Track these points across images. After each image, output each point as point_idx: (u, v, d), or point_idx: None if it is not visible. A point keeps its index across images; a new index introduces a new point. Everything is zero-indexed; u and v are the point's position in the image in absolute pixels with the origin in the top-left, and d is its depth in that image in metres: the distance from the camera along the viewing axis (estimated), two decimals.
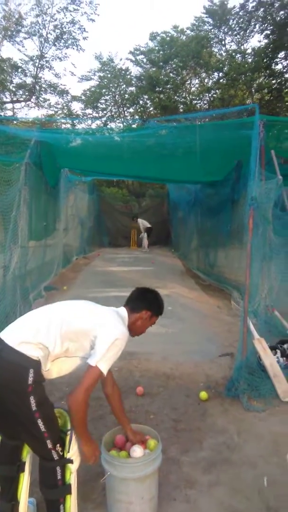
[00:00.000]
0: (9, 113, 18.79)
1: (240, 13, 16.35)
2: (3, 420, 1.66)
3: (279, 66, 15.88)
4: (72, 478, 1.71)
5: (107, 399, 2.11)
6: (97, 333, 1.72)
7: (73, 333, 1.71)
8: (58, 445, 1.66)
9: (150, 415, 2.89)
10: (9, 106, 19.00)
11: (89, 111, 20.64)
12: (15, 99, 18.77)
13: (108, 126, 17.95)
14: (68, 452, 1.70)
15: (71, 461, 1.70)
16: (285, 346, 3.65)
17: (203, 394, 3.11)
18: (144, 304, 2.02)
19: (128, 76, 19.71)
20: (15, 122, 16.33)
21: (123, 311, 1.97)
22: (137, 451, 1.92)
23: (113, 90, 19.77)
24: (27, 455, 1.77)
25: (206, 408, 2.98)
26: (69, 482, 1.69)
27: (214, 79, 18.19)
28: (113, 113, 20.63)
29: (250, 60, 16.28)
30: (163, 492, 2.06)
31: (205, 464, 2.34)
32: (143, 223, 14.50)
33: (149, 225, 14.51)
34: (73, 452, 1.72)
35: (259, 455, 2.41)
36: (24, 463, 1.75)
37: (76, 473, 1.74)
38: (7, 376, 1.55)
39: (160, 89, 17.81)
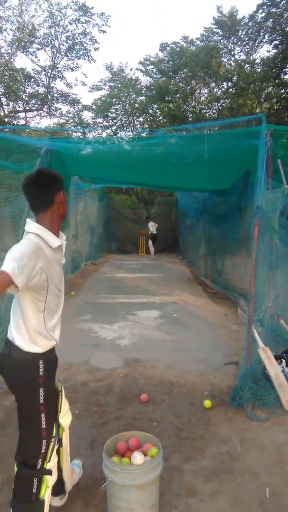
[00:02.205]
0: (22, 121, 19.20)
1: (249, 24, 16.54)
2: None
3: None
4: (47, 494, 1.67)
5: None
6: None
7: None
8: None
9: (153, 423, 2.89)
10: (22, 115, 19.43)
11: (99, 120, 20.99)
12: (27, 108, 19.17)
13: (118, 135, 18.20)
14: (49, 462, 1.68)
15: (50, 472, 1.68)
16: None
17: (207, 403, 3.10)
18: (49, 190, 1.65)
19: (138, 86, 20.02)
20: (27, 130, 16.71)
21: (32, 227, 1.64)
22: (138, 457, 1.93)
23: (123, 99, 20.07)
24: (62, 432, 1.89)
25: (210, 416, 2.97)
26: (43, 499, 1.65)
27: (223, 89, 18.35)
28: (123, 122, 20.93)
29: (259, 70, 16.41)
30: (164, 500, 2.06)
31: (207, 473, 2.33)
32: (153, 226, 14.60)
33: (155, 232, 14.61)
34: (53, 463, 1.70)
35: (261, 465, 2.39)
36: (61, 440, 1.86)
37: (51, 490, 1.71)
38: (19, 371, 1.62)
39: (170, 98, 18.01)
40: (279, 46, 15.53)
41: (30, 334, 1.61)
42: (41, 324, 1.63)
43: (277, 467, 2.37)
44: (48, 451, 1.68)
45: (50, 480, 1.68)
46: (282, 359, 3.51)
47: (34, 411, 1.64)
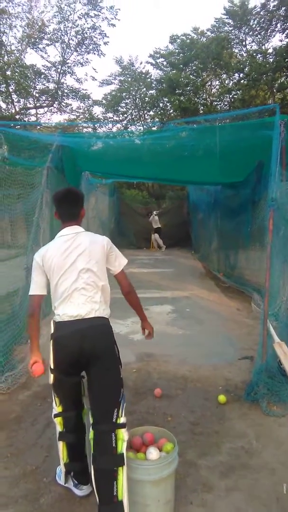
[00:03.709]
0: (33, 118, 19.28)
1: (261, 13, 16.18)
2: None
3: None
4: (124, 447, 1.79)
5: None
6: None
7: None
8: None
9: (167, 417, 2.88)
10: (32, 111, 19.50)
11: (110, 114, 20.91)
12: (38, 104, 19.23)
13: (128, 129, 18.12)
14: (121, 416, 1.82)
15: (124, 425, 1.83)
16: None
17: (222, 398, 3.08)
18: (80, 207, 2.21)
19: (148, 79, 19.83)
20: (38, 127, 16.79)
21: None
22: (153, 453, 1.92)
23: (133, 93, 19.94)
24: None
25: (225, 411, 2.94)
26: (121, 452, 1.78)
27: (235, 80, 18.02)
28: (133, 116, 20.81)
29: (271, 60, 16.04)
30: (179, 495, 2.05)
31: (222, 468, 2.31)
32: (154, 220, 14.58)
33: (158, 225, 14.60)
34: (124, 418, 1.84)
35: (278, 461, 2.36)
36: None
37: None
38: (104, 335, 1.93)
39: (180, 91, 17.80)
40: None
41: (107, 305, 2.07)
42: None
43: None
44: (120, 406, 1.85)
45: (125, 435, 1.82)
46: None
47: (117, 369, 1.90)
